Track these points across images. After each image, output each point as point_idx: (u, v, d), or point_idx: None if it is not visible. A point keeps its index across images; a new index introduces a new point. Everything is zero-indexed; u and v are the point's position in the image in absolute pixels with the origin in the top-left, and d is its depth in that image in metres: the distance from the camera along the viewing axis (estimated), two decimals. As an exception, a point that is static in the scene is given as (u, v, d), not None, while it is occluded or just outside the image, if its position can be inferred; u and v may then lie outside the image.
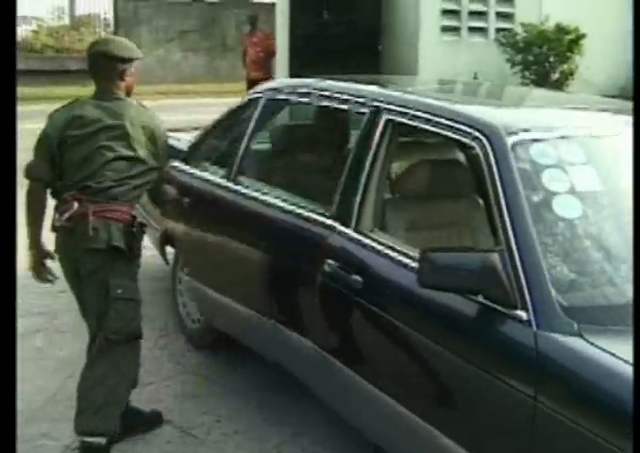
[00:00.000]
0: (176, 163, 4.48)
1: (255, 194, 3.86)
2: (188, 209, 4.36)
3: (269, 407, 4.02)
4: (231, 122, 4.49)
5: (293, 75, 10.22)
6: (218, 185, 4.14)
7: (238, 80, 19.22)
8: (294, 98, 4.02)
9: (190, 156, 4.62)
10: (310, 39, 10.71)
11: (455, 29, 10.79)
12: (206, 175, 4.32)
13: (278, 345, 3.69)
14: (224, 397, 4.12)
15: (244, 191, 3.94)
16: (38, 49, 22.97)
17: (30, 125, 11.69)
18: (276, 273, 3.67)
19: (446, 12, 10.63)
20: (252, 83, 13.14)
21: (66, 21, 24.89)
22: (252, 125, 4.15)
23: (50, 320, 5.05)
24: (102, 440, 3.43)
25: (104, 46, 3.73)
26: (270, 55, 13.24)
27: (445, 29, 10.67)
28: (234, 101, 4.68)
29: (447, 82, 5.65)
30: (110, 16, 24.60)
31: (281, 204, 3.67)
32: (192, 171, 4.48)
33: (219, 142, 4.57)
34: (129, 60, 3.72)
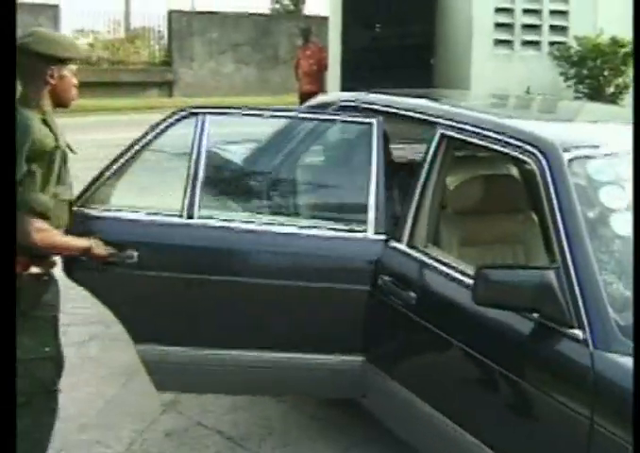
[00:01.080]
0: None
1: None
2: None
3: (321, 421, 4.03)
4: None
5: (345, 88, 10.24)
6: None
7: (289, 93, 19.33)
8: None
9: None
10: (362, 52, 10.72)
11: (508, 43, 10.72)
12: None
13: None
14: (275, 409, 4.13)
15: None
16: (93, 62, 23.32)
17: (86, 136, 11.91)
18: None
19: (499, 26, 10.56)
20: (305, 96, 13.21)
21: (121, 34, 25.22)
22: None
23: (105, 329, 5.11)
24: None
25: (27, 39, 3.07)
26: (323, 68, 13.28)
27: (498, 43, 10.60)
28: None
29: (501, 96, 5.63)
30: (164, 29, 24.89)
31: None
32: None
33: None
34: (59, 61, 3.02)
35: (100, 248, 3.25)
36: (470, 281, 2.71)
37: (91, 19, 24.04)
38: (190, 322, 3.43)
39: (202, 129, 3.41)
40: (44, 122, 2.97)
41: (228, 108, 3.72)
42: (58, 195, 3.00)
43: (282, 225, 3.37)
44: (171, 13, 24.50)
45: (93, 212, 3.39)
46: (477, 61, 10.34)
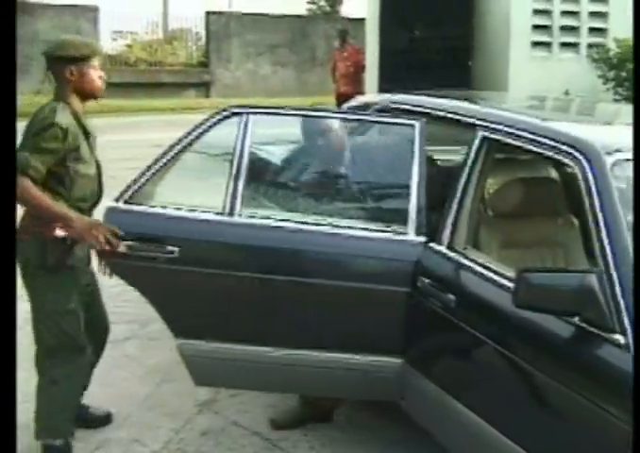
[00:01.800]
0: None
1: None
2: None
3: (356, 423, 4.02)
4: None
5: (382, 90, 10.23)
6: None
7: (326, 94, 19.34)
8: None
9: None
10: (400, 54, 10.70)
11: (546, 45, 10.64)
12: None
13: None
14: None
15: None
16: (132, 63, 23.51)
17: (125, 136, 12.02)
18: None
19: (537, 28, 10.49)
20: (342, 98, 13.21)
21: (160, 35, 25.40)
22: None
23: (141, 328, 5.15)
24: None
25: (48, 46, 3.57)
26: (360, 69, 13.28)
27: (535, 45, 10.53)
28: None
29: (539, 98, 5.59)
30: (202, 30, 25.03)
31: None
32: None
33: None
34: (73, 60, 3.49)
35: (99, 232, 3.35)
36: (510, 284, 2.69)
37: (129, 21, 24.23)
38: (229, 318, 3.45)
39: (245, 129, 3.43)
40: (73, 112, 3.49)
41: (271, 108, 3.73)
42: (78, 171, 3.46)
43: (322, 224, 3.38)
44: (208, 15, 24.63)
45: (136, 208, 3.43)
46: (514, 64, 10.28)
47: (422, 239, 3.26)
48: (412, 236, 3.27)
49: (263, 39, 24.42)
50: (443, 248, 3.18)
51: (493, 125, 3.24)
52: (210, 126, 3.48)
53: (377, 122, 3.73)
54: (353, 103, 4.70)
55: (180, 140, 3.51)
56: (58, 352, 3.52)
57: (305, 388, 3.65)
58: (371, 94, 8.83)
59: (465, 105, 3.72)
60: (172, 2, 26.71)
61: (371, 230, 3.33)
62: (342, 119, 3.84)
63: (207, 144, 3.63)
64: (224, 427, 3.96)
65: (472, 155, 3.26)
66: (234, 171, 3.38)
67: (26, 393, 3.52)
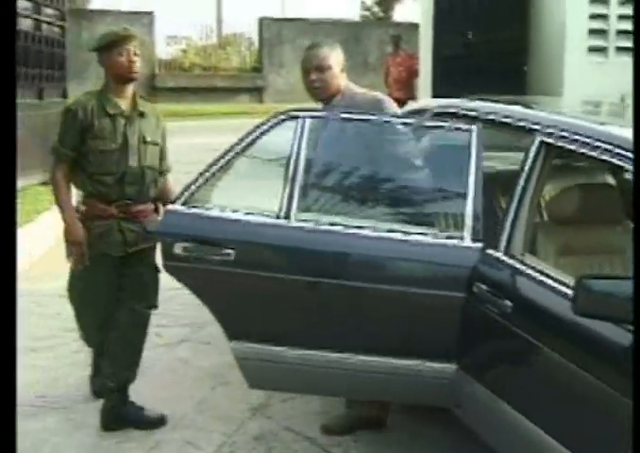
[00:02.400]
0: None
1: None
2: None
3: (409, 429, 4.00)
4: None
5: (436, 95, 10.18)
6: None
7: (379, 99, 19.24)
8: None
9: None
10: (453, 59, 10.65)
11: (602, 49, 10.51)
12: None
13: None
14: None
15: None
16: (186, 67, 23.73)
17: (180, 140, 12.10)
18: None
19: (593, 32, 10.36)
20: (395, 103, 13.18)
21: (213, 40, 25.60)
22: None
23: (195, 331, 5.18)
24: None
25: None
26: (413, 75, 13.23)
27: (591, 49, 10.41)
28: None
29: (596, 103, 5.52)
30: (255, 35, 25.18)
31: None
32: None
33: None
34: (102, 48, 3.95)
35: (75, 247, 3.88)
36: (569, 291, 2.66)
37: (184, 26, 24.49)
38: (283, 321, 3.45)
39: (302, 132, 3.43)
40: (101, 96, 3.96)
41: (329, 112, 3.73)
42: (96, 147, 3.86)
43: (378, 229, 3.36)
44: (262, 20, 24.79)
45: (193, 211, 3.45)
46: (570, 68, 10.16)
47: (478, 245, 3.22)
48: (468, 242, 3.24)
49: (316, 44, 24.46)
50: (500, 254, 3.15)
51: (551, 130, 3.19)
52: (267, 130, 3.49)
53: (433, 127, 3.70)
54: (407, 108, 4.67)
55: (237, 143, 3.52)
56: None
57: (357, 392, 3.64)
58: (424, 100, 8.80)
59: (522, 110, 3.68)
60: (226, 7, 27.00)
61: (427, 235, 3.31)
62: (398, 123, 3.83)
63: (263, 148, 3.64)
64: (276, 432, 3.97)
65: (529, 160, 3.21)
66: (290, 174, 3.38)
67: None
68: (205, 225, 3.44)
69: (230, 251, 3.34)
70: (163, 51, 24.68)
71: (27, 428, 3.88)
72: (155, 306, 4.09)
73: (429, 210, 3.57)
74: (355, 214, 3.54)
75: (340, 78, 3.94)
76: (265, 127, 3.49)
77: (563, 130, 3.15)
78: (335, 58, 3.94)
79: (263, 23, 24.73)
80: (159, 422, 4.01)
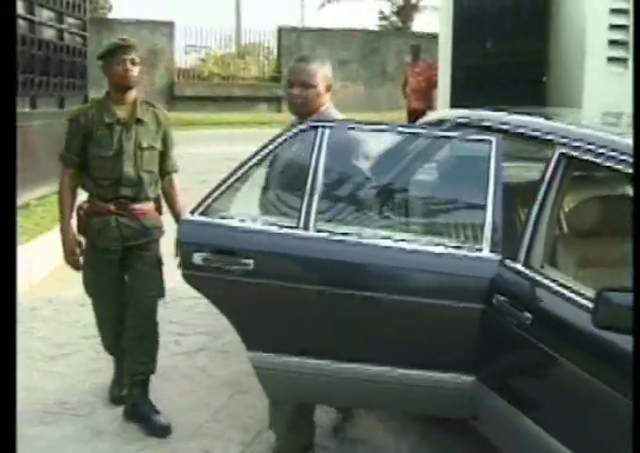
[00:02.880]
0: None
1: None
2: None
3: (431, 440, 4.00)
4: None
5: (455, 105, 10.17)
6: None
7: (396, 109, 19.32)
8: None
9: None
10: (473, 69, 10.64)
11: (622, 60, 10.48)
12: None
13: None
14: (382, 429, 4.12)
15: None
16: (205, 76, 23.83)
17: (198, 149, 12.16)
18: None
19: (613, 43, 10.34)
20: (413, 113, 13.20)
21: (232, 49, 25.69)
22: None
23: (213, 340, 5.20)
24: None
25: None
26: (432, 85, 13.23)
27: (611, 60, 10.38)
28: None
29: (616, 114, 5.50)
30: (274, 45, 25.25)
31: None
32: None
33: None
34: (102, 57, 4.17)
35: (66, 248, 4.20)
36: (589, 303, 2.66)
37: (203, 35, 24.60)
38: (301, 331, 3.45)
39: (321, 143, 3.43)
40: (101, 104, 4.19)
41: (348, 122, 3.73)
42: (93, 153, 4.12)
43: (397, 240, 3.36)
44: (280, 30, 24.86)
45: (212, 221, 3.46)
46: (590, 79, 10.13)
47: (497, 256, 3.22)
48: (487, 253, 3.23)
49: (334, 54, 24.49)
50: (519, 266, 3.14)
51: (571, 142, 3.19)
52: (286, 140, 3.49)
53: (453, 137, 3.70)
54: (426, 119, 4.68)
55: (256, 153, 3.53)
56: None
57: (376, 403, 3.64)
58: (443, 110, 8.79)
59: (542, 121, 3.68)
60: (245, 17, 27.17)
61: (446, 246, 3.30)
62: (417, 134, 3.83)
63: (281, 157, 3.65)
64: (293, 441, 3.96)
65: (549, 171, 3.21)
66: (309, 185, 3.39)
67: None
68: (223, 234, 3.44)
69: (249, 261, 3.35)
70: (182, 60, 24.83)
71: (46, 435, 3.91)
72: (161, 295, 4.24)
73: (448, 221, 3.57)
74: (373, 225, 3.54)
75: (323, 97, 3.88)
76: (284, 138, 3.50)
77: (582, 142, 3.14)
78: (322, 75, 3.86)
79: (282, 32, 24.82)
80: (161, 431, 4.04)
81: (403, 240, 3.36)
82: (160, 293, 4.23)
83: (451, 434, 3.94)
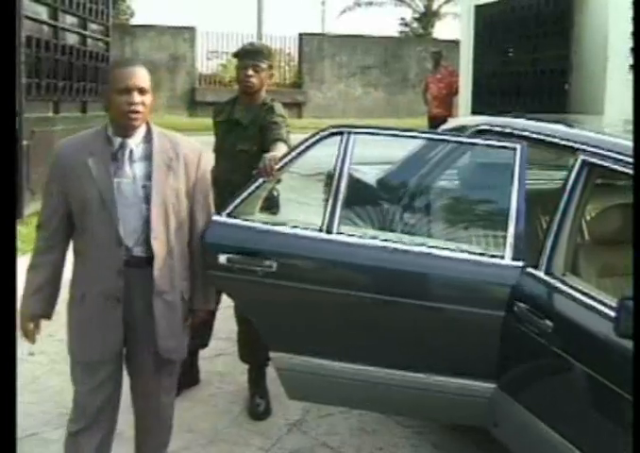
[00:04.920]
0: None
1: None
2: None
3: (445, 449, 3.98)
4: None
5: (476, 112, 10.17)
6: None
7: (416, 116, 19.31)
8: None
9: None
10: (494, 76, 10.64)
11: (645, 68, 10.43)
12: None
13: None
14: (399, 435, 4.11)
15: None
16: (226, 82, 23.91)
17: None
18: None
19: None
20: (433, 120, 13.18)
21: (254, 55, 25.72)
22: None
23: (232, 345, 5.18)
24: None
25: None
26: (453, 92, 13.23)
27: (633, 68, 10.34)
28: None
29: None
30: (295, 51, 25.30)
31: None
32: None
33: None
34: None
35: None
36: (611, 312, 2.65)
37: (224, 41, 24.68)
38: (322, 333, 3.46)
39: (346, 148, 3.45)
40: (227, 104, 4.56)
41: (371, 127, 3.74)
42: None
43: (419, 245, 3.36)
44: (302, 36, 24.91)
45: (237, 223, 3.47)
46: (611, 86, 10.10)
47: (519, 263, 3.21)
48: (508, 260, 3.22)
49: (355, 60, 24.58)
50: (541, 274, 3.13)
51: (595, 150, 3.18)
52: (312, 145, 3.51)
53: (477, 144, 3.69)
54: (447, 125, 4.67)
55: (282, 157, 3.55)
56: None
57: (395, 408, 3.63)
58: (464, 117, 8.78)
59: (564, 128, 3.67)
60: (266, 23, 27.17)
61: (468, 253, 3.30)
62: (441, 140, 3.83)
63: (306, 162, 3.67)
64: (312, 448, 3.97)
65: (571, 179, 3.20)
66: (333, 189, 3.40)
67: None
68: (249, 236, 3.46)
69: (273, 263, 3.37)
70: (204, 66, 24.93)
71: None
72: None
73: (470, 228, 3.56)
74: (396, 230, 3.55)
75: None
76: (310, 143, 3.51)
77: (605, 149, 3.14)
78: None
79: (303, 38, 24.87)
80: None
81: (425, 245, 3.36)
82: None
83: (468, 443, 3.93)
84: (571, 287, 2.99)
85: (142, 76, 2.97)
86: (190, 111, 22.79)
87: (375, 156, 4.34)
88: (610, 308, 2.71)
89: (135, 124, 2.97)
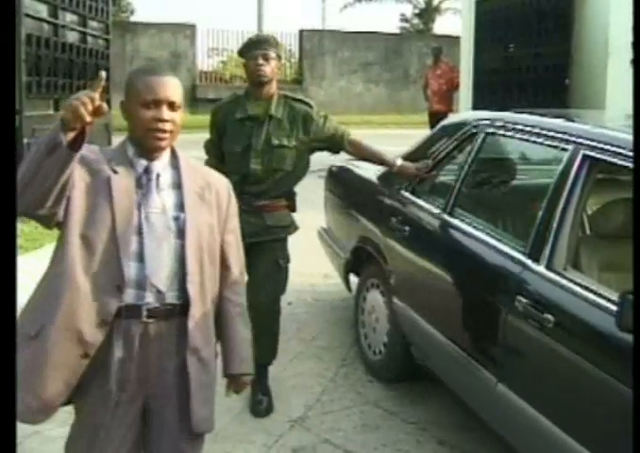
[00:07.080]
0: (405, 193, 4.54)
1: (464, 228, 3.86)
2: (407, 238, 4.34)
3: (449, 445, 3.98)
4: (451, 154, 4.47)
5: (476, 108, 10.14)
6: (435, 216, 4.15)
7: (418, 112, 19.28)
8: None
9: (416, 187, 4.53)
10: (494, 72, 10.62)
11: (646, 62, 10.41)
12: (427, 206, 4.29)
13: (462, 376, 3.64)
14: (403, 431, 4.11)
15: (456, 223, 3.96)
16: (227, 79, 23.90)
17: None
18: (469, 305, 3.64)
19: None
20: (434, 115, 13.16)
21: (254, 52, 25.70)
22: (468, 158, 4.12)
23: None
24: None
25: None
26: (453, 87, 13.22)
27: (634, 62, 10.32)
28: (415, 132, 4.75)
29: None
30: (296, 48, 25.27)
31: (484, 237, 3.66)
32: (416, 201, 4.42)
33: (440, 173, 4.55)
34: (241, 54, 4.28)
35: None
36: (612, 306, 2.64)
37: (225, 38, 24.67)
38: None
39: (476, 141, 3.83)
40: (238, 99, 4.35)
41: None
42: (230, 148, 4.27)
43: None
44: (302, 32, 24.88)
45: None
46: (612, 81, 10.08)
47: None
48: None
49: (356, 56, 24.55)
50: (542, 268, 3.13)
51: (595, 144, 3.17)
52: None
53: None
54: (448, 121, 4.66)
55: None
56: None
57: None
58: (464, 113, 8.76)
59: (564, 122, 3.66)
60: (266, 20, 27.14)
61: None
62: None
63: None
64: (315, 445, 3.96)
65: (572, 174, 3.20)
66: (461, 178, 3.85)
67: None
68: None
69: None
70: (204, 62, 24.94)
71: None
72: (278, 293, 4.34)
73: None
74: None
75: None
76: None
77: (606, 144, 3.13)
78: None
79: (304, 35, 24.84)
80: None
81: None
82: (279, 291, 4.33)
83: (472, 439, 3.93)
84: (572, 281, 2.97)
85: (174, 88, 2.50)
86: (191, 109, 22.77)
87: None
88: (611, 302, 2.70)
89: (162, 144, 2.45)
